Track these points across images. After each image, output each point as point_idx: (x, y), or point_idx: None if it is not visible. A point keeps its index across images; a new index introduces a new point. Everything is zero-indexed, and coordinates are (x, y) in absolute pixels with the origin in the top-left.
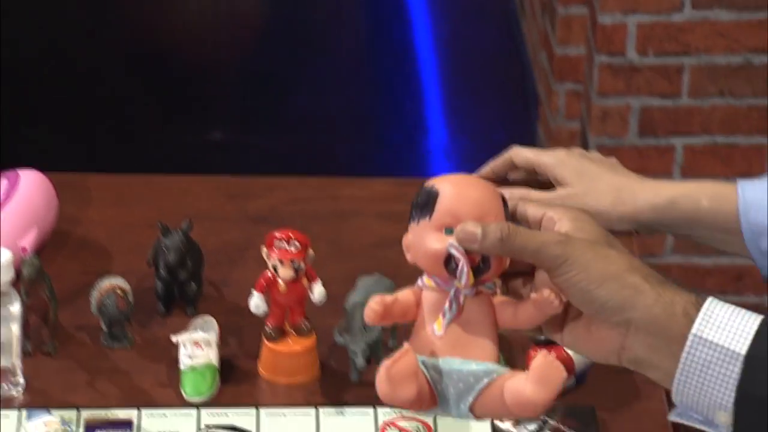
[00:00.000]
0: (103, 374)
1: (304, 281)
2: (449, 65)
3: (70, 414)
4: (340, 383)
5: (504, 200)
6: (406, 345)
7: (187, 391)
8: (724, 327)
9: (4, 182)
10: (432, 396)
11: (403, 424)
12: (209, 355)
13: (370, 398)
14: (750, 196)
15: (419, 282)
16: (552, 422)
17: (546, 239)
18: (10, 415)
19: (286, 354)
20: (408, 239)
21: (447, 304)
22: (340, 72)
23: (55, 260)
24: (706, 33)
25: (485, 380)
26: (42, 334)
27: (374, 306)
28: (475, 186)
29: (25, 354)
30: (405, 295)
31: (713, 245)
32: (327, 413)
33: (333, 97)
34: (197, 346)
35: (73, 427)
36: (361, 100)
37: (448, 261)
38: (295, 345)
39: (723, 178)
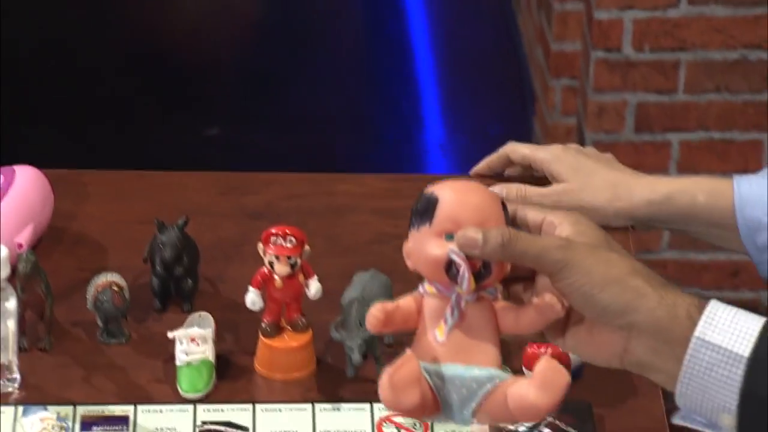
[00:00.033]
0: (99, 370)
1: (300, 277)
2: (445, 61)
3: (66, 410)
4: (336, 379)
5: (504, 205)
6: (408, 352)
7: (183, 387)
8: (727, 329)
9: (0, 178)
10: (435, 402)
11: (399, 420)
12: (205, 351)
13: (366, 394)
14: (746, 191)
15: (420, 288)
16: (548, 418)
17: (547, 244)
18: (6, 411)
19: (282, 350)
20: (408, 246)
21: (448, 311)
22: (336, 68)
23: (51, 256)
24: (702, 28)
25: (488, 386)
26: (38, 330)
27: (376, 313)
28: (475, 192)
29: (21, 350)
30: (406, 302)
31: (709, 241)
32: (323, 409)
33: (330, 93)
34: (193, 342)
35: (69, 423)
36: (357, 96)
37: (449, 267)
38: (291, 341)
39: (719, 173)
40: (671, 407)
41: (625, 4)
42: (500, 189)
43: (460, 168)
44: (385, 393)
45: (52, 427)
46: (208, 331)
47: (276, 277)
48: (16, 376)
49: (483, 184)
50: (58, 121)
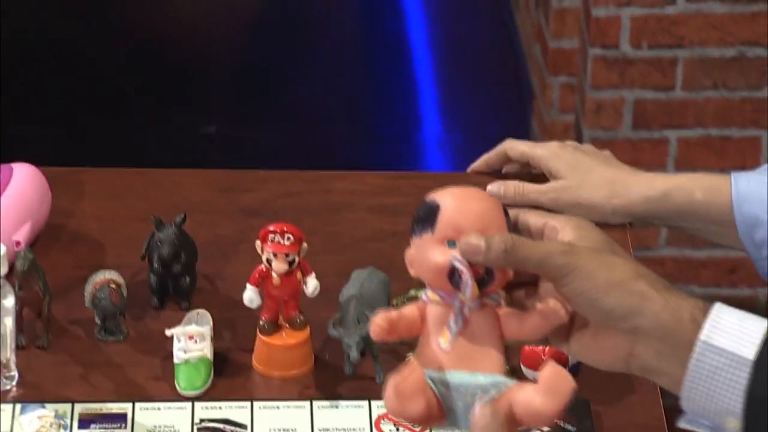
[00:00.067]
0: (96, 368)
1: (298, 274)
2: (443, 58)
3: (64, 407)
4: (334, 376)
5: (505, 211)
6: (412, 360)
7: (181, 384)
8: (732, 333)
9: None
10: (440, 410)
11: None
12: (203, 349)
13: (364, 391)
14: (743, 188)
15: (423, 296)
16: None
17: (550, 249)
18: (4, 409)
19: (280, 347)
20: (410, 254)
21: (452, 318)
22: (334, 66)
23: (49, 254)
24: (699, 25)
25: (493, 392)
26: (36, 328)
27: (380, 322)
28: (477, 198)
29: (19, 347)
30: (409, 309)
31: (707, 237)
32: (321, 406)
33: (327, 91)
34: (191, 340)
35: (67, 421)
36: (355, 94)
37: (452, 274)
38: (289, 338)
39: (717, 170)
40: (669, 403)
41: (623, 1)
42: (498, 186)
43: (458, 165)
44: (390, 402)
45: (50, 425)
46: (206, 329)
47: (274, 274)
48: (14, 373)
49: (482, 182)
50: (55, 118)
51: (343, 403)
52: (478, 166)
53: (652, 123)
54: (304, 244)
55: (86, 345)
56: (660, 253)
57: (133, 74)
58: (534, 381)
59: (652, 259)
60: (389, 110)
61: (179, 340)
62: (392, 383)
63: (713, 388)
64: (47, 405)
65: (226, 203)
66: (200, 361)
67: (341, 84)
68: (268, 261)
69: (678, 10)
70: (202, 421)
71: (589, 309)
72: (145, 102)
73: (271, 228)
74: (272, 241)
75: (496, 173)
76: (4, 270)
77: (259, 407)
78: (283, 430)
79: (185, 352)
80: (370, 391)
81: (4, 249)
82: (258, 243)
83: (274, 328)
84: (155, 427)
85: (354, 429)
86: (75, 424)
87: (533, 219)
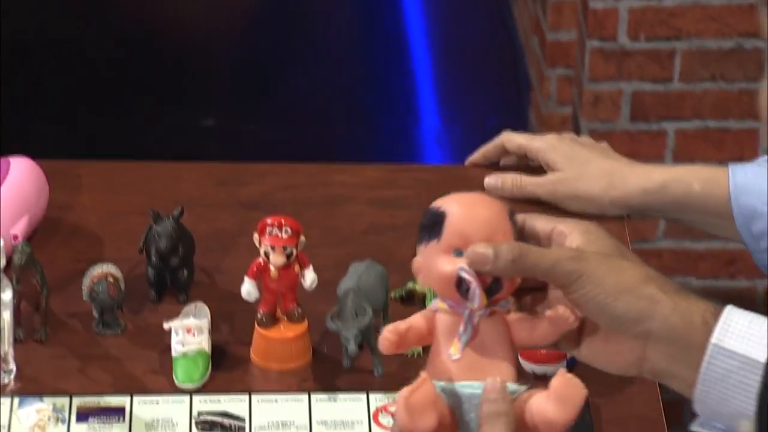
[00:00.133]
0: (94, 361)
1: (296, 267)
2: (441, 51)
3: (62, 401)
4: (332, 369)
5: (512, 216)
6: (423, 373)
7: (179, 377)
8: (743, 335)
9: None
10: (453, 422)
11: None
12: (201, 342)
13: (362, 384)
14: (741, 180)
15: (432, 305)
16: None
17: (559, 256)
18: (2, 403)
19: (278, 340)
20: (418, 262)
21: (461, 327)
22: (332, 59)
23: (47, 247)
24: (697, 17)
25: None
26: (33, 321)
27: (388, 336)
28: (482, 204)
29: (17, 341)
30: (418, 320)
31: (705, 229)
32: (319, 399)
33: (325, 84)
34: (189, 333)
35: (65, 414)
36: (353, 86)
37: (460, 283)
38: (287, 331)
39: (715, 162)
40: (667, 397)
41: None
42: (495, 179)
43: (456, 158)
44: (401, 417)
45: (48, 418)
46: (204, 322)
47: (272, 267)
48: (12, 367)
49: (480, 175)
50: (52, 112)
51: (341, 395)
52: (475, 158)
53: (649, 115)
54: (302, 237)
55: (84, 338)
56: (658, 245)
57: (132, 68)
58: (532, 374)
59: (650, 251)
60: (388, 103)
61: (177, 333)
62: (402, 397)
63: (725, 391)
64: (45, 398)
65: (224, 196)
66: (198, 354)
67: (340, 78)
68: (266, 254)
69: (676, 1)
70: (200, 414)
71: (600, 314)
72: (143, 95)
73: (269, 221)
74: (270, 233)
75: (494, 166)
76: (2, 263)
77: (257, 400)
78: (281, 423)
79: (183, 345)
80: (368, 384)
81: (1, 242)
82: (256, 236)
83: (272, 321)
84: (153, 420)
85: (352, 422)
86: (73, 417)
87: (540, 224)
